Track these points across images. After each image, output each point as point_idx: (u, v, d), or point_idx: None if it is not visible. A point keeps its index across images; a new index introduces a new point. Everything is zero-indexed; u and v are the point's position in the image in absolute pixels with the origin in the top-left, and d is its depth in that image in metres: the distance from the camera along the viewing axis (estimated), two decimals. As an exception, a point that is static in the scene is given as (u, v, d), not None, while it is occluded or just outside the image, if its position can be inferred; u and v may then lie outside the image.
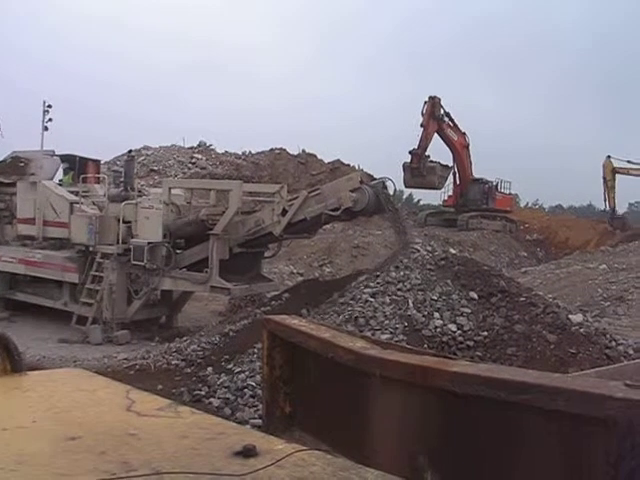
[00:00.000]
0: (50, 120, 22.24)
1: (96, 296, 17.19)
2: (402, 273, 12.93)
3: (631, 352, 11.17)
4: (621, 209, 47.14)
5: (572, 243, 42.41)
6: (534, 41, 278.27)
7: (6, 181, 20.00)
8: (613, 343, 11.29)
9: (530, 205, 69.96)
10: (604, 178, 40.83)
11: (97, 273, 17.37)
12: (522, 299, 12.02)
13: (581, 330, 11.23)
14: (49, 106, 22.22)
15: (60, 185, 20.02)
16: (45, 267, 18.43)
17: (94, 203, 18.97)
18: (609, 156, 40.56)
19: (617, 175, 41.61)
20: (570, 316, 11.75)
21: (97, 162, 22.78)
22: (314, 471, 1.63)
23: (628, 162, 40.68)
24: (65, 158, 21.32)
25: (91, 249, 17.61)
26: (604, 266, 26.49)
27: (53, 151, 21.38)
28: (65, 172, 21.28)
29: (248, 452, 1.70)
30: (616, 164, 40.71)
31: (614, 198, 41.25)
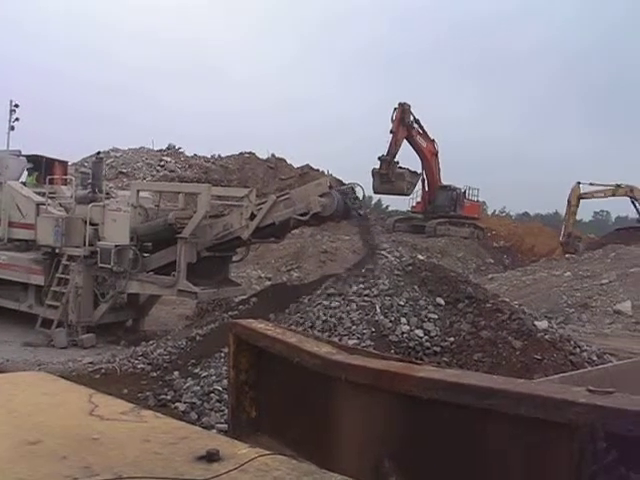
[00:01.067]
0: (17, 120, 21.98)
1: (62, 299, 16.99)
2: (370, 279, 12.95)
3: (595, 358, 11.29)
4: (586, 217, 47.65)
5: (538, 250, 42.86)
6: (515, 51, 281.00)
7: (-30, 181, 19.73)
8: (577, 349, 11.40)
9: (497, 212, 70.70)
10: (569, 202, 41.27)
11: (63, 275, 17.18)
12: (489, 305, 12.09)
13: (546, 336, 11.32)
14: (16, 105, 21.95)
15: (24, 186, 19.77)
16: (10, 269, 18.19)
17: (61, 205, 18.77)
18: (579, 182, 40.94)
19: (581, 200, 42.17)
20: (536, 322, 11.83)
21: (64, 163, 22.55)
22: (277, 476, 1.62)
23: (590, 184, 41.21)
24: (32, 159, 21.08)
25: (57, 251, 17.41)
26: (569, 273, 26.82)
27: (19, 151, 21.12)
28: (29, 173, 21.04)
29: (211, 457, 1.68)
30: (583, 189, 41.18)
31: (573, 224, 41.70)
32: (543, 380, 5.57)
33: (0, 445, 1.78)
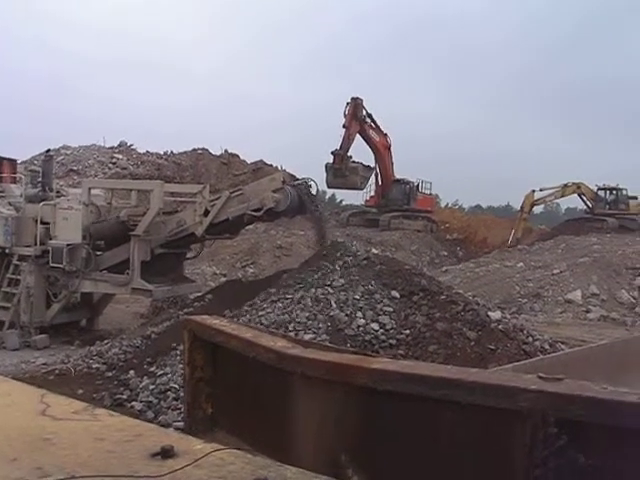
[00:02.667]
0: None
1: (13, 300, 16.70)
2: (324, 273, 12.98)
3: (547, 347, 11.48)
4: (537, 209, 48.29)
5: (491, 242, 43.30)
6: (474, 47, 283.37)
7: None
8: (530, 339, 11.57)
9: (450, 205, 71.25)
10: (522, 208, 41.89)
11: (13, 276, 16.88)
12: (443, 297, 12.20)
13: (500, 327, 11.47)
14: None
15: None
16: (-42, 270, 17.83)
17: (10, 204, 18.42)
18: (533, 190, 41.54)
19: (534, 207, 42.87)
20: (489, 313, 11.98)
21: (13, 161, 22.13)
22: (232, 470, 1.62)
23: (540, 190, 41.94)
24: (-21, 158, 20.68)
25: (7, 251, 17.08)
26: (521, 264, 27.20)
27: (-34, 150, 20.72)
28: None
29: (166, 453, 1.68)
30: (536, 196, 41.81)
31: (523, 229, 42.34)
32: (496, 369, 5.65)
33: (-52, 448, 1.75)
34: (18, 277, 16.75)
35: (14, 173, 20.84)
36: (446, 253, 41.15)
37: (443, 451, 2.56)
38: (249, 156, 47.06)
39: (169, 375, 10.92)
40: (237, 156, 46.43)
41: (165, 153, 46.33)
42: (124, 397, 10.79)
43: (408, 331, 11.40)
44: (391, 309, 11.89)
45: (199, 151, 45.90)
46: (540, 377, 2.27)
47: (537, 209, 45.65)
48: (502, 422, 2.30)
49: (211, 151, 46.14)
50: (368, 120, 39.79)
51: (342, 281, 12.58)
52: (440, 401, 2.45)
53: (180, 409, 9.59)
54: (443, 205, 64.49)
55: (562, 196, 42.57)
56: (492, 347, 10.86)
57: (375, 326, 11.47)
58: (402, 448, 2.71)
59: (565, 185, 41.65)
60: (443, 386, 2.44)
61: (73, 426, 1.95)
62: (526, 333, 11.84)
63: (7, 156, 21.43)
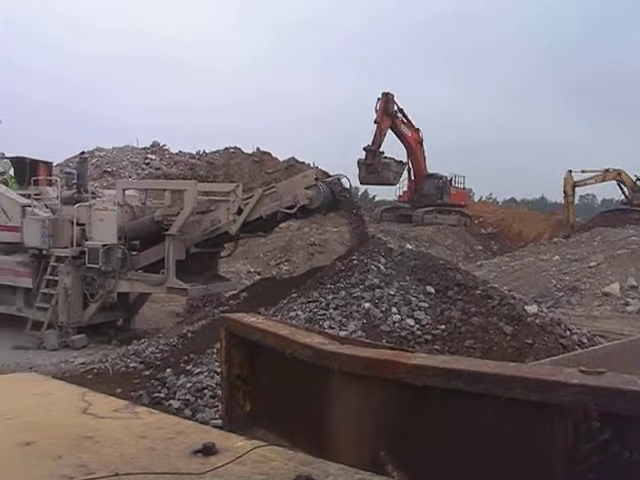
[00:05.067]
0: (-1, 122, 21.91)
1: (51, 300, 16.92)
2: (359, 269, 12.96)
3: (585, 341, 11.36)
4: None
5: (526, 235, 43.00)
6: (499, 38, 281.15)
7: (-45, 186, 19.59)
8: (567, 332, 11.46)
9: (484, 199, 70.87)
10: (565, 192, 41.24)
11: (51, 277, 17.09)
12: (478, 292, 12.13)
13: (536, 321, 11.37)
14: (-4, 108, 21.87)
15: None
16: (-3, 272, 18.10)
17: (47, 206, 18.67)
18: (570, 170, 40.92)
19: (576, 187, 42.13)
20: (525, 307, 11.88)
21: (49, 164, 22.42)
22: (274, 466, 1.62)
23: (582, 172, 41.27)
24: (15, 161, 20.97)
25: (45, 253, 17.32)
26: (557, 257, 26.93)
27: (2, 153, 21.02)
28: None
29: (208, 450, 1.68)
30: (576, 177, 41.18)
31: (573, 214, 41.69)
32: (535, 363, 5.60)
33: (-5, 447, 1.78)
34: (56, 278, 16.96)
35: (50, 176, 21.13)
36: (481, 247, 40.93)
37: (483, 446, 2.54)
38: (281, 154, 47.24)
39: (205, 373, 10.98)
40: (269, 154, 46.54)
41: (198, 152, 46.62)
42: (162, 395, 10.87)
43: (444, 326, 11.34)
44: (426, 304, 11.84)
45: (231, 150, 46.07)
46: (581, 371, 2.24)
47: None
48: (543, 417, 2.27)
49: (243, 150, 46.33)
50: (399, 115, 39.67)
51: (377, 277, 12.55)
52: (479, 396, 2.44)
53: (217, 407, 9.65)
54: (477, 199, 64.27)
55: (602, 181, 41.86)
56: (529, 341, 10.77)
57: (410, 322, 11.43)
58: (441, 444, 2.69)
59: (606, 170, 41.04)
60: (482, 381, 2.42)
61: (115, 424, 1.97)
62: (563, 327, 11.72)
63: (43, 159, 21.73)
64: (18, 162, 20.81)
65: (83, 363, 13.23)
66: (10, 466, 1.67)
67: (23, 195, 18.68)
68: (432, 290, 12.23)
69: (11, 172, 20.74)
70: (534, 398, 2.25)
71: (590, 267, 24.14)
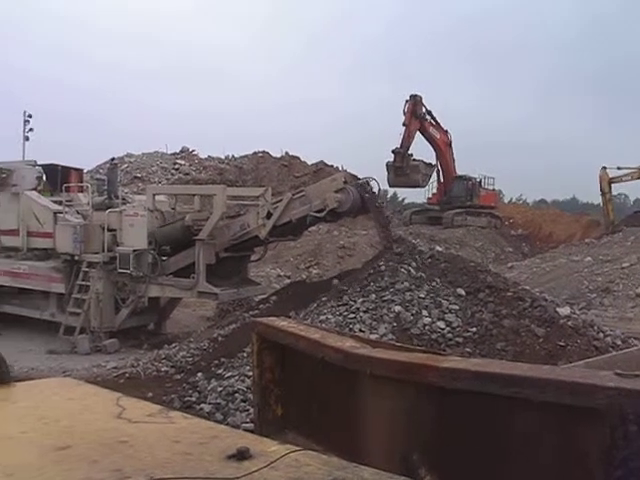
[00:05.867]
0: (31, 130, 22.18)
1: (83, 305, 17.08)
2: (389, 272, 12.93)
3: (619, 343, 11.23)
4: (597, 199, 46.87)
5: (557, 237, 42.63)
6: (521, 37, 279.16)
7: (-12, 193, 19.86)
8: (601, 334, 11.34)
9: (514, 200, 70.32)
10: (601, 190, 40.43)
11: (83, 282, 17.26)
12: (509, 294, 12.06)
13: (569, 323, 11.28)
14: (29, 116, 22.15)
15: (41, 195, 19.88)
16: (31, 278, 18.30)
17: (78, 212, 18.85)
18: (604, 167, 40.13)
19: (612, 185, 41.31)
20: (557, 309, 11.79)
21: (80, 171, 22.62)
22: (308, 471, 1.62)
23: (618, 168, 40.54)
24: (47, 168, 21.20)
25: (77, 258, 17.49)
26: (589, 258, 26.63)
27: (35, 161, 21.25)
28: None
29: (242, 455, 1.68)
30: (610, 174, 40.41)
31: (613, 211, 40.89)
32: (569, 366, 5.55)
33: (30, 451, 1.80)
34: (88, 283, 17.12)
35: (81, 182, 21.31)
36: (511, 249, 40.63)
37: (516, 450, 2.52)
38: (309, 158, 47.27)
39: (236, 377, 11.02)
40: (298, 158, 46.60)
41: (226, 157, 46.78)
42: (193, 399, 10.92)
43: (475, 329, 11.28)
44: (457, 307, 11.79)
45: (260, 154, 46.19)
46: (617, 374, 2.21)
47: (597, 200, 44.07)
48: (578, 421, 2.25)
49: (272, 154, 46.40)
50: (428, 117, 39.53)
51: (407, 280, 12.51)
52: (512, 399, 2.42)
53: (248, 411, 9.68)
54: (507, 200, 63.74)
55: (639, 178, 41.03)
56: (562, 344, 10.68)
57: (441, 324, 11.38)
58: (474, 447, 2.67)
59: None
60: (515, 384, 2.40)
61: (149, 429, 1.98)
62: (596, 329, 11.61)
63: (74, 166, 21.94)
64: (50, 169, 21.03)
65: (115, 367, 13.33)
66: (45, 470, 1.68)
67: (55, 202, 18.89)
68: (463, 292, 12.17)
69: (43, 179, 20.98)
70: (568, 401, 2.23)
71: (623, 268, 23.83)
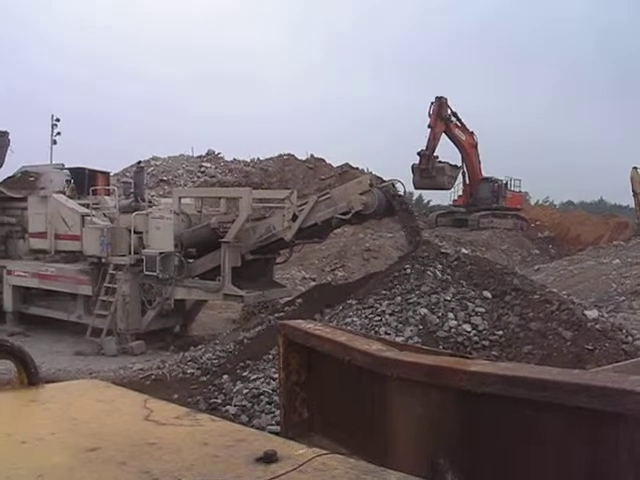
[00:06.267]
0: (59, 134, 22.49)
1: (110, 307, 17.22)
2: (414, 275, 12.90)
3: (648, 346, 11.11)
4: (625, 201, 46.21)
5: (584, 239, 42.20)
6: (540, 36, 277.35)
7: (17, 196, 20.09)
8: (630, 338, 11.23)
9: (541, 202, 69.80)
10: (633, 191, 39.71)
11: (110, 285, 17.40)
12: (536, 297, 11.98)
13: (597, 326, 11.18)
14: (57, 120, 22.44)
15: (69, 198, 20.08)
16: (59, 280, 18.49)
17: (105, 215, 19.04)
18: (635, 167, 39.42)
19: None
20: (585, 312, 11.69)
21: (106, 174, 22.86)
22: (336, 475, 1.61)
23: None
24: (74, 171, 21.41)
25: (103, 261, 17.65)
26: (617, 261, 26.37)
27: (62, 164, 21.48)
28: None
29: (269, 458, 1.68)
30: None
31: None
32: (598, 370, 5.50)
33: (61, 452, 1.81)
34: (114, 286, 17.26)
35: (108, 185, 21.53)
36: (538, 251, 40.36)
37: (545, 455, 2.50)
38: (335, 160, 47.21)
39: (262, 379, 11.05)
40: (323, 160, 46.59)
41: (252, 160, 46.90)
42: (218, 401, 10.96)
43: (501, 332, 11.23)
44: (483, 310, 11.74)
45: (285, 157, 46.26)
46: (648, 378, 2.19)
47: (632, 202, 43.49)
48: (607, 426, 2.22)
49: (297, 156, 46.45)
50: (453, 119, 39.44)
51: (433, 283, 12.47)
52: (540, 404, 2.39)
53: (273, 413, 9.70)
54: (533, 202, 63.30)
55: None
56: (589, 347, 10.58)
57: (467, 327, 11.34)
58: (502, 452, 2.65)
59: None
60: (544, 388, 2.38)
61: (177, 431, 1.99)
62: (625, 332, 11.49)
63: (101, 169, 22.16)
64: (77, 172, 21.25)
65: (141, 369, 13.43)
66: (75, 471, 1.69)
67: (82, 205, 19.07)
68: (489, 295, 12.12)
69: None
70: (598, 406, 2.20)
71: (652, 270, 23.59)
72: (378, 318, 11.77)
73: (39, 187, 20.03)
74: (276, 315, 14.83)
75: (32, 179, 20.41)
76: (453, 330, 11.34)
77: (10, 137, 22.90)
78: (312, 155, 46.89)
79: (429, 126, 38.17)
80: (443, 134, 39.08)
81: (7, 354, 2.63)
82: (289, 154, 46.53)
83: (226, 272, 15.68)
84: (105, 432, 1.99)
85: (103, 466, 1.71)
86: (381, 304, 12.18)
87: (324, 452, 1.75)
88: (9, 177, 21.46)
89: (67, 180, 20.97)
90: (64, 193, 20.03)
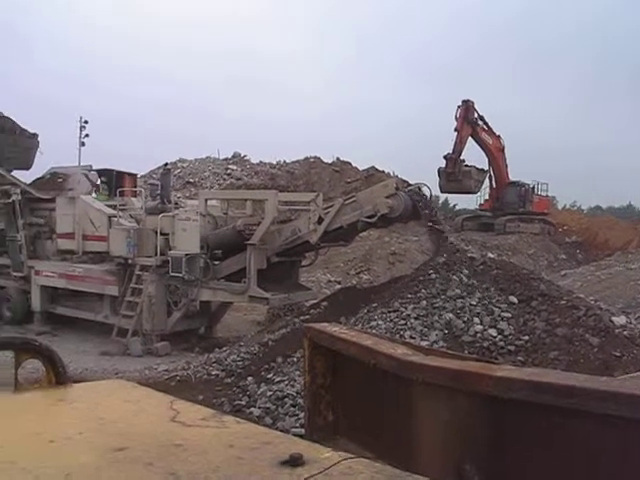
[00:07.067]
0: (87, 136, 22.70)
1: (136, 308, 17.32)
2: (439, 280, 12.85)
3: (676, 354, 10.97)
4: None
5: (612, 244, 41.80)
6: (560, 39, 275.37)
7: (45, 197, 20.29)
8: (658, 345, 11.10)
9: (568, 207, 69.31)
10: None
11: (136, 285, 17.51)
12: (563, 302, 11.88)
13: (624, 332, 11.06)
14: (85, 122, 22.65)
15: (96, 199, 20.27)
16: (86, 281, 18.64)
17: (132, 216, 19.17)
18: None
19: None
20: (613, 318, 11.58)
21: (134, 176, 23.03)
22: (362, 479, 1.61)
23: None
24: (102, 173, 21.61)
25: (130, 262, 17.76)
26: (646, 266, 26.09)
27: (90, 166, 21.68)
28: (99, 188, 21.57)
29: (295, 461, 1.68)
30: None
31: None
32: (626, 377, 5.44)
33: (88, 452, 1.82)
34: (140, 287, 17.36)
35: (135, 187, 21.69)
36: (565, 256, 40.03)
37: (572, 462, 2.48)
38: (361, 163, 47.16)
39: (286, 382, 11.06)
40: (349, 163, 46.56)
41: (278, 163, 46.96)
42: (243, 403, 10.99)
43: (527, 337, 11.14)
44: (509, 314, 11.66)
45: (311, 160, 46.27)
46: (678, 386, 2.16)
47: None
48: (636, 433, 2.20)
49: (323, 159, 46.46)
50: (480, 122, 39.25)
51: (458, 287, 12.42)
52: (567, 410, 2.37)
53: (297, 415, 9.70)
54: (561, 207, 62.87)
55: None
56: (617, 354, 10.47)
57: (493, 332, 11.27)
58: (529, 458, 2.64)
59: None
60: (571, 395, 2.36)
61: (203, 432, 1.99)
62: (654, 339, 11.36)
63: (128, 171, 22.34)
64: (105, 174, 21.44)
65: (166, 370, 13.49)
66: (103, 471, 1.70)
67: (109, 206, 19.22)
68: (515, 300, 12.04)
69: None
70: (626, 414, 2.18)
71: (681, 277, 23.31)
72: (403, 322, 11.74)
73: (67, 188, 20.23)
74: (301, 318, 14.84)
75: (60, 180, 20.63)
76: (479, 335, 11.28)
77: (39, 139, 23.17)
78: (338, 158, 46.89)
79: (456, 129, 38.04)
80: (470, 137, 38.92)
81: (35, 353, 2.65)
82: (315, 157, 46.55)
83: (251, 274, 15.71)
84: (132, 432, 2.00)
85: (130, 466, 1.72)
86: (406, 308, 12.15)
87: (350, 456, 1.75)
88: (38, 178, 21.73)
89: (101, 182, 21.20)
90: (97, 194, 20.29)
